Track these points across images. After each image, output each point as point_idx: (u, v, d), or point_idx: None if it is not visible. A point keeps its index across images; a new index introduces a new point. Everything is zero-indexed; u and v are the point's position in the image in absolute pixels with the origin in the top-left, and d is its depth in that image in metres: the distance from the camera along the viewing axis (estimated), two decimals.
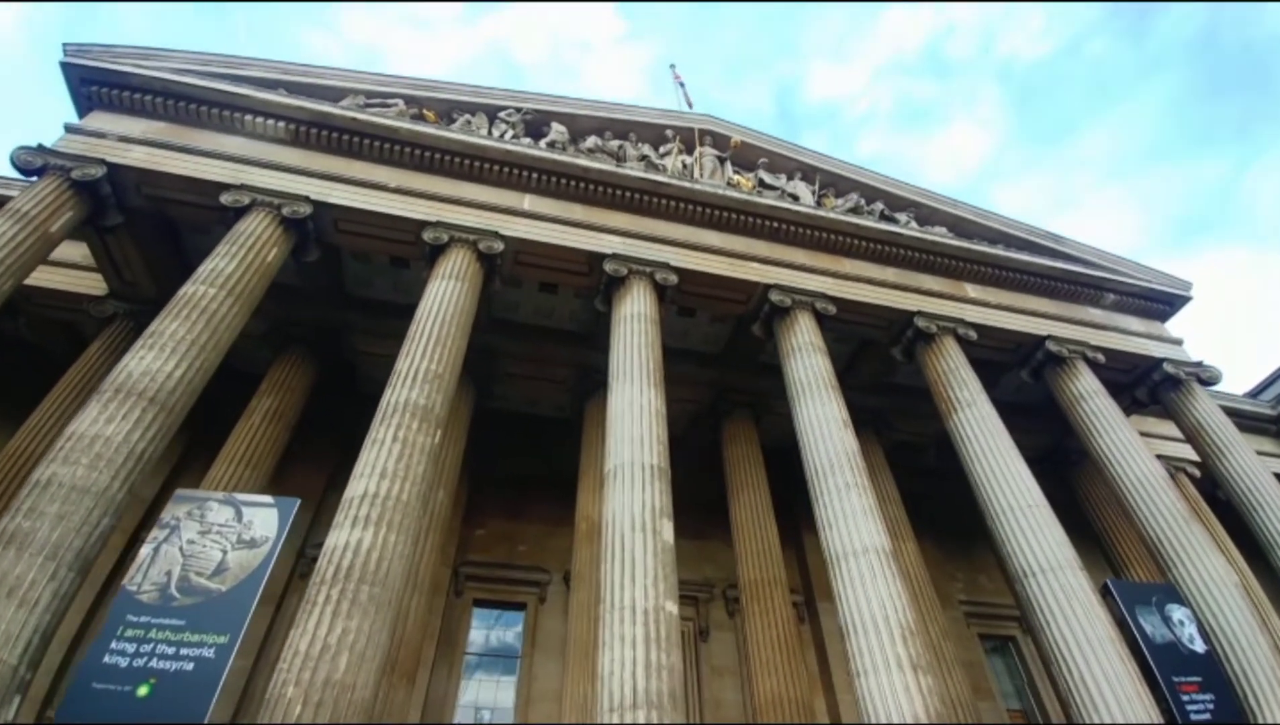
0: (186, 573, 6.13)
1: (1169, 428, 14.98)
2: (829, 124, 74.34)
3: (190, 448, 12.33)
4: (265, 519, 6.51)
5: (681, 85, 17.35)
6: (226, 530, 6.39)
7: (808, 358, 9.85)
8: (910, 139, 73.32)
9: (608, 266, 10.21)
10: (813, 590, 13.50)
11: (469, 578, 12.41)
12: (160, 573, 6.16)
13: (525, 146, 10.86)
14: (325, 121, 10.41)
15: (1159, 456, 14.95)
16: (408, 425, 7.25)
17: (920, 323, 11.24)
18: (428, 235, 9.74)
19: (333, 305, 11.97)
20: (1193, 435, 11.85)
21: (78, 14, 52.68)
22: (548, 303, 12.41)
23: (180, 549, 6.26)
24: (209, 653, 5.72)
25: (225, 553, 6.22)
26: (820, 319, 10.84)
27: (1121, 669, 7.30)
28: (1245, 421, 16.34)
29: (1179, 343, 12.93)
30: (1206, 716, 8.01)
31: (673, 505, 13.76)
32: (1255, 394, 17.87)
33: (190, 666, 5.67)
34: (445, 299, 8.83)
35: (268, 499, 6.71)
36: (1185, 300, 13.29)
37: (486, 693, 11.69)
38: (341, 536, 6.24)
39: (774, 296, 10.70)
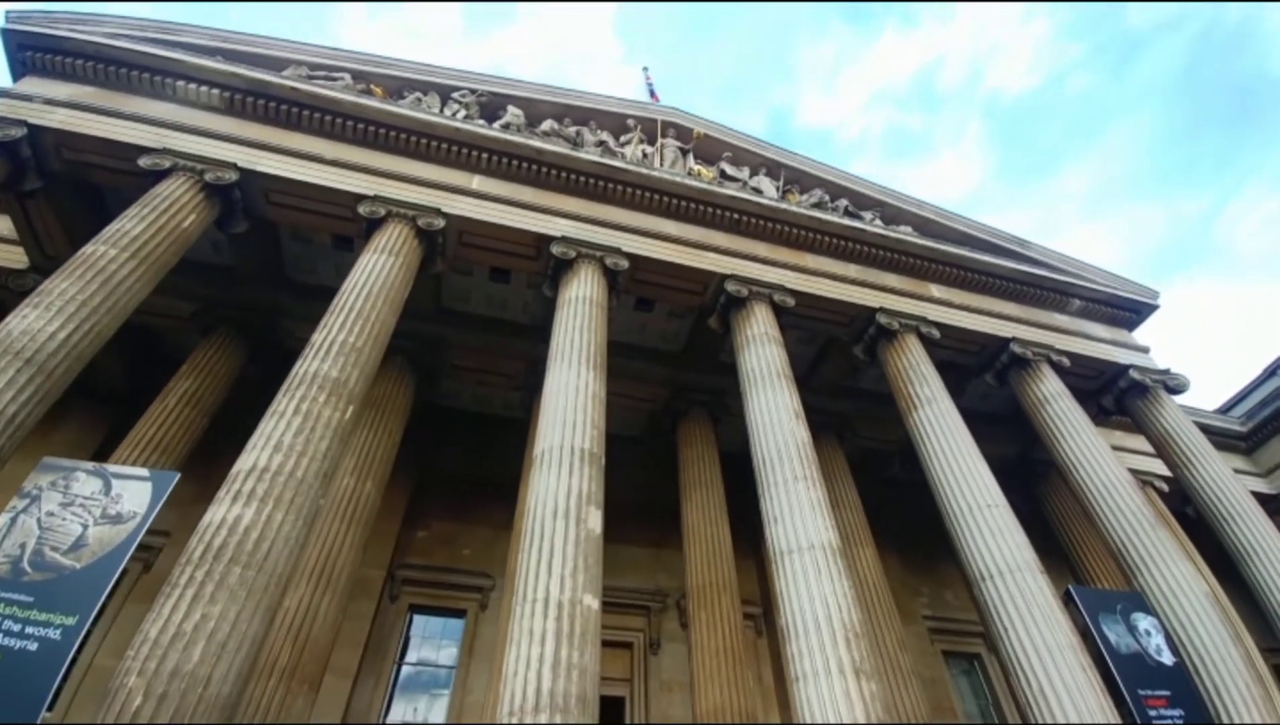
0: (41, 546, 5.41)
1: (1137, 441, 14.70)
2: (821, 148, 75.49)
3: (112, 435, 11.54)
4: (136, 493, 5.82)
5: (651, 86, 17.12)
6: (91, 503, 5.69)
7: (762, 348, 9.38)
8: (899, 167, 74.58)
9: (555, 249, 9.72)
10: (771, 603, 12.85)
11: (406, 581, 11.62)
12: (14, 545, 5.44)
13: (475, 125, 10.40)
14: (262, 90, 9.89)
15: (1129, 468, 14.67)
16: (313, 397, 6.62)
17: (882, 319, 10.85)
18: (363, 209, 9.20)
19: (270, 288, 11.34)
20: (1160, 444, 11.51)
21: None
22: (500, 292, 11.88)
23: (38, 521, 5.55)
24: (55, 634, 5.00)
25: (86, 527, 5.52)
26: (778, 311, 10.39)
27: (1083, 679, 6.77)
28: (1215, 438, 16.05)
29: (1146, 350, 12.67)
30: None
31: (628, 512, 13.31)
32: (1225, 410, 17.70)
33: (34, 647, 4.96)
34: (374, 272, 8.25)
35: (142, 472, 6.03)
36: (1153, 308, 13.08)
37: (420, 706, 10.86)
38: (219, 513, 5.58)
39: (730, 287, 10.26)
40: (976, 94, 70.00)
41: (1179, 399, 12.55)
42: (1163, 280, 68.02)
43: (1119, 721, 6.66)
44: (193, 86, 9.92)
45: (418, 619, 11.57)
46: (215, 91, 9.90)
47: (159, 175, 8.95)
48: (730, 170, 12.25)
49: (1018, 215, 74.10)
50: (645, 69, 18.53)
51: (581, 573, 5.97)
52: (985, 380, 12.16)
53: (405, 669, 11.04)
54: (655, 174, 10.88)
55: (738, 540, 11.27)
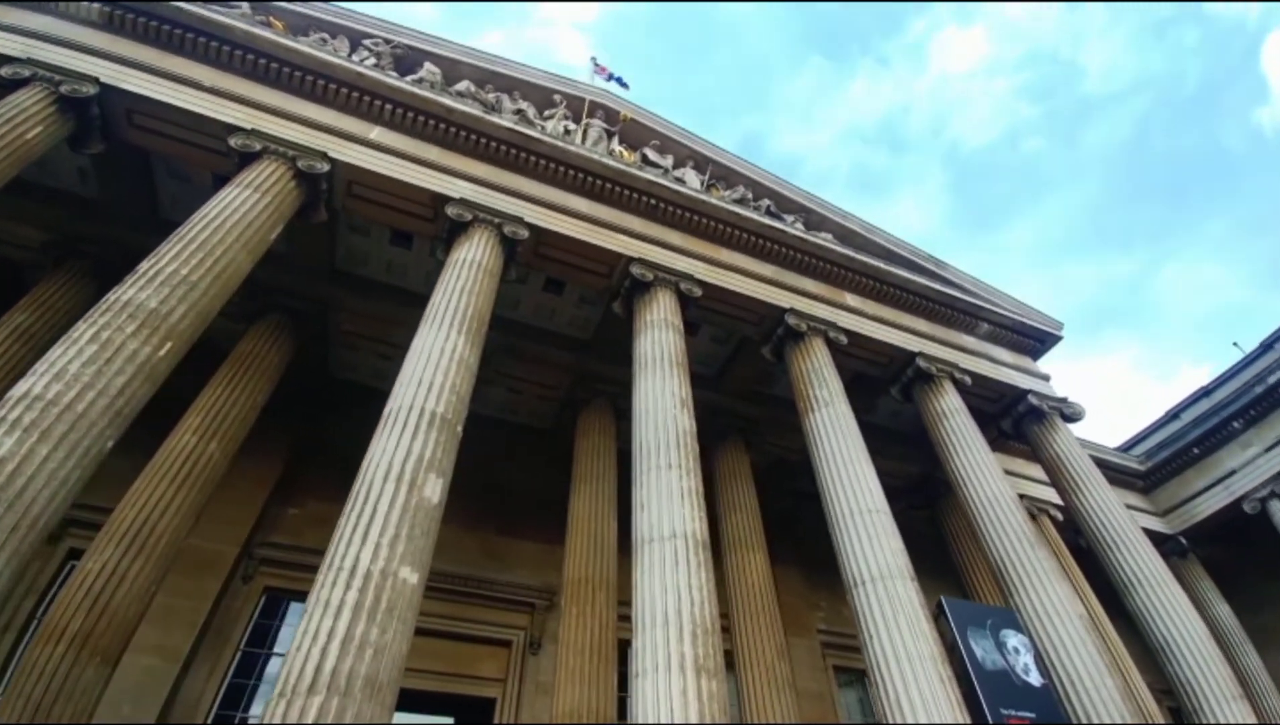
0: None
1: (1039, 470, 14.97)
2: (789, 175, 76.77)
3: None
4: None
5: (595, 70, 16.70)
6: None
7: (659, 333, 8.96)
8: (862, 202, 76.61)
9: (450, 210, 9.11)
10: None
11: (266, 561, 10.61)
12: None
13: (381, 74, 9.73)
14: (147, 10, 9.01)
15: (1025, 496, 14.87)
16: (119, 327, 5.81)
17: (791, 320, 10.62)
18: (235, 141, 8.40)
19: (137, 227, 10.28)
20: (1052, 469, 11.63)
21: None
22: (401, 258, 11.17)
23: None
24: None
25: None
26: (684, 301, 10.03)
27: (940, 690, 6.49)
28: (1114, 474, 16.54)
29: (1046, 378, 12.87)
30: None
31: (527, 505, 12.64)
32: (1127, 449, 18.30)
33: None
34: (230, 206, 7.46)
35: None
36: (1056, 339, 13.34)
37: (264, 698, 9.86)
38: None
39: (635, 270, 9.84)
40: (938, 142, 72.92)
41: (1076, 429, 12.79)
42: (1092, 334, 71.81)
43: None
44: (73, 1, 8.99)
45: (272, 603, 10.60)
46: (96, 6, 9.00)
47: (17, 85, 8.00)
48: (653, 156, 11.92)
49: (965, 261, 77.01)
50: (593, 58, 18.08)
51: (403, 543, 5.33)
52: (892, 394, 12.07)
53: (251, 656, 10.03)
54: (571, 149, 10.42)
55: (631, 539, 10.78)
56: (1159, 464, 16.95)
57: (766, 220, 11.42)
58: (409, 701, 10.87)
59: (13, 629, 8.18)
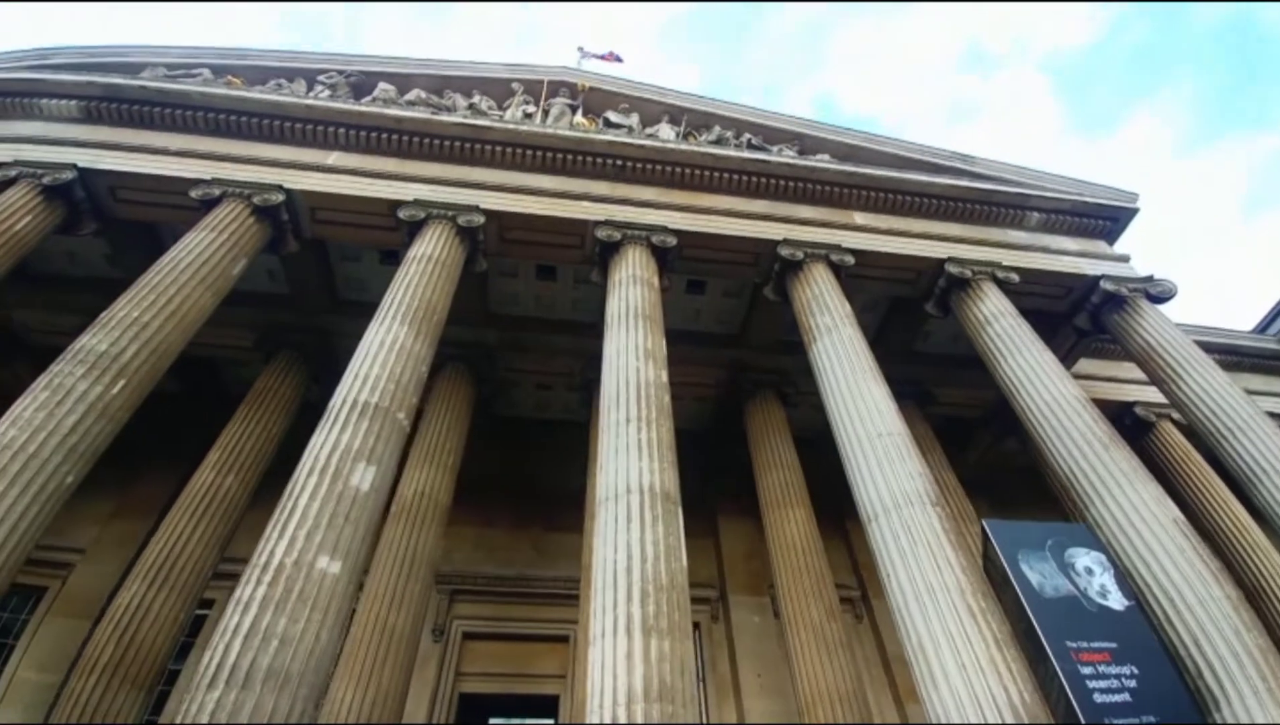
0: None
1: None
2: (871, 128, 72.08)
3: None
4: None
5: (584, 53, 16.41)
6: None
7: (625, 290, 8.43)
8: (962, 135, 69.61)
9: (403, 213, 9.13)
10: (724, 581, 11.71)
11: None
12: None
13: (328, 101, 10.01)
14: (115, 94, 9.84)
15: (1139, 403, 12.73)
16: (68, 372, 6.15)
17: (784, 251, 9.69)
18: (196, 193, 8.89)
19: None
20: (1144, 361, 9.75)
21: None
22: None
23: None
24: None
25: None
26: (662, 256, 9.43)
27: (971, 626, 5.45)
28: (1248, 358, 13.83)
29: (1125, 259, 10.87)
30: (1123, 698, 5.81)
31: (569, 498, 12.42)
32: (1261, 330, 15.20)
33: None
34: (188, 249, 7.84)
35: None
36: (1132, 213, 11.26)
37: None
38: None
39: (601, 232, 9.37)
40: (1032, 53, 65.16)
41: (1197, 317, 10.73)
42: (1248, 220, 61.43)
43: (1019, 679, 5.27)
44: (55, 102, 9.98)
45: None
46: (74, 102, 9.93)
47: (5, 185, 8.95)
48: (615, 118, 11.41)
49: (1085, 168, 67.98)
50: (580, 48, 17.84)
51: (322, 531, 5.20)
52: (928, 310, 10.69)
53: None
54: (524, 128, 10.18)
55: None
56: None
57: (745, 154, 10.56)
58: (473, 706, 10.96)
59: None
